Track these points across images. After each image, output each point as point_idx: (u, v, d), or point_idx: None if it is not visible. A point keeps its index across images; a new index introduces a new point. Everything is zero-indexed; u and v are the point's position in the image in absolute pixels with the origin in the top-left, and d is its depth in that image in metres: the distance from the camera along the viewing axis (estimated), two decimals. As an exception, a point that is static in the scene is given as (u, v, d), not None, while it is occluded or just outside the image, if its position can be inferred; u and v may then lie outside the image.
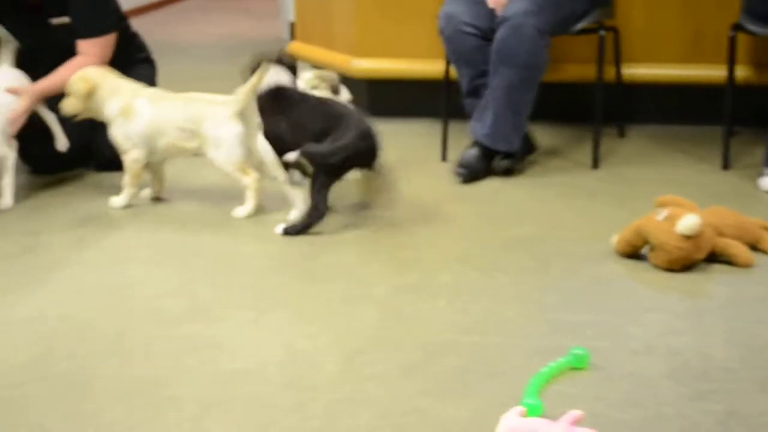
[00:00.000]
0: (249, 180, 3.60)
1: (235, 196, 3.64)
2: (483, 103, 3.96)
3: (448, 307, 2.79)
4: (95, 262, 3.23)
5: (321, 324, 2.71)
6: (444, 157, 4.22)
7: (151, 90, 3.79)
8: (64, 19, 4.09)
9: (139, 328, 2.71)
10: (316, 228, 3.40)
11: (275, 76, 3.55)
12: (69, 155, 4.06)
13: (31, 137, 4.01)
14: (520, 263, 3.10)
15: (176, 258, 3.23)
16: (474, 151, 3.98)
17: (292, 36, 6.26)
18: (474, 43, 3.95)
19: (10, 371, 2.49)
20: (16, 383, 2.43)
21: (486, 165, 3.99)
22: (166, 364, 2.50)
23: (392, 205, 3.64)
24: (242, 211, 3.61)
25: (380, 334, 2.63)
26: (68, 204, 3.78)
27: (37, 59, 4.12)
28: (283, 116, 3.49)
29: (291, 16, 6.81)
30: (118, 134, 3.70)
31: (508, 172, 4.00)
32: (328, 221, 3.47)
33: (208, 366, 2.48)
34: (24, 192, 3.97)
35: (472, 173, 3.95)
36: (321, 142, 3.37)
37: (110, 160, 4.05)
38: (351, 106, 3.59)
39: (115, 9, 4.23)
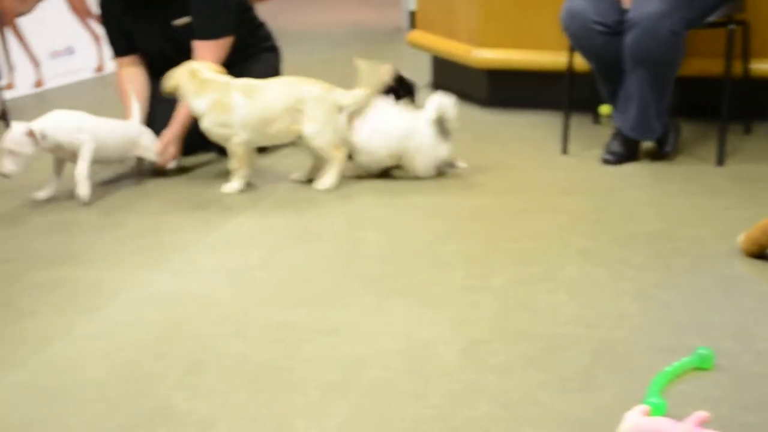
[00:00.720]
0: (338, 155, 3.79)
1: (351, 183, 3.66)
2: (623, 96, 3.93)
3: (570, 300, 2.76)
4: (218, 244, 3.27)
5: (442, 312, 2.71)
6: (565, 150, 4.17)
7: (242, 82, 3.82)
8: (186, 20, 4.19)
9: (262, 311, 2.74)
10: (437, 217, 3.41)
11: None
12: (189, 139, 4.14)
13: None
14: (642, 260, 3.05)
15: (297, 242, 3.26)
16: (620, 140, 4.02)
17: (412, 25, 6.26)
18: (602, 39, 3.90)
19: (136, 347, 2.54)
20: (141, 359, 2.48)
21: (633, 151, 4.03)
22: (288, 348, 2.52)
23: (513, 196, 3.63)
24: (326, 182, 3.79)
25: (501, 325, 2.62)
26: (190, 186, 3.84)
27: (162, 59, 4.22)
28: None
29: (411, 4, 6.83)
30: (211, 127, 3.76)
31: (663, 157, 4.05)
32: (449, 212, 3.48)
33: (328, 351, 2.49)
34: (146, 173, 4.05)
35: (619, 160, 4.01)
36: None
37: None
38: None
39: (235, 9, 4.29)
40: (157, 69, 4.23)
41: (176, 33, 4.22)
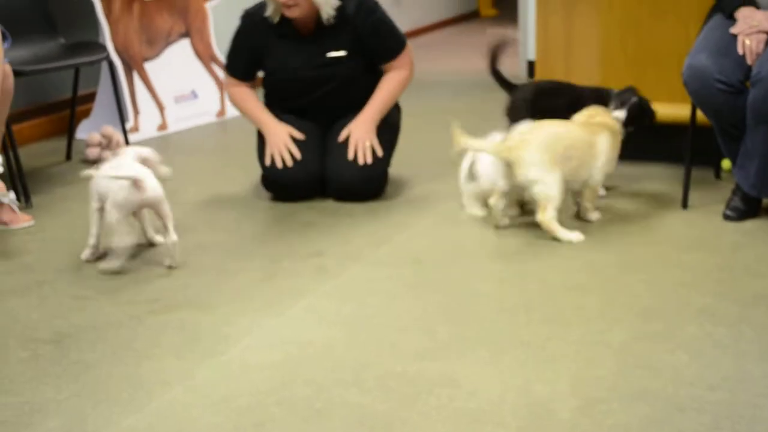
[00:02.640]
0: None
1: (465, 232, 3.64)
2: (744, 152, 3.86)
3: (690, 360, 2.71)
4: (335, 291, 3.30)
5: (558, 368, 2.68)
6: (685, 204, 4.11)
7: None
8: (341, 54, 4.33)
9: (378, 361, 2.75)
10: (554, 269, 3.39)
11: None
12: (306, 184, 4.22)
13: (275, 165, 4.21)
14: (766, 320, 2.98)
15: (415, 292, 3.27)
16: (741, 196, 3.95)
17: (531, 74, 6.25)
18: (723, 97, 3.82)
19: (255, 394, 2.57)
20: (260, 405, 2.51)
21: (755, 208, 3.95)
22: (403, 399, 2.52)
23: (632, 250, 3.59)
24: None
25: (619, 384, 2.58)
26: (307, 233, 3.88)
27: (311, 91, 4.39)
28: None
29: (531, 54, 6.82)
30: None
31: None
32: (566, 265, 3.45)
33: (444, 404, 2.49)
34: (265, 219, 4.10)
35: (741, 216, 3.93)
36: None
37: (346, 189, 4.19)
38: None
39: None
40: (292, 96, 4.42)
41: (328, 64, 4.36)
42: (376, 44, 4.39)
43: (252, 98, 4.47)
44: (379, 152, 4.29)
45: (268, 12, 4.30)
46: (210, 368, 2.74)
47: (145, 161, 3.67)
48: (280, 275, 3.45)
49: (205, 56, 6.20)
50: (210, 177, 4.85)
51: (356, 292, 3.29)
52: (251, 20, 4.40)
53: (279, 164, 4.25)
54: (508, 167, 3.74)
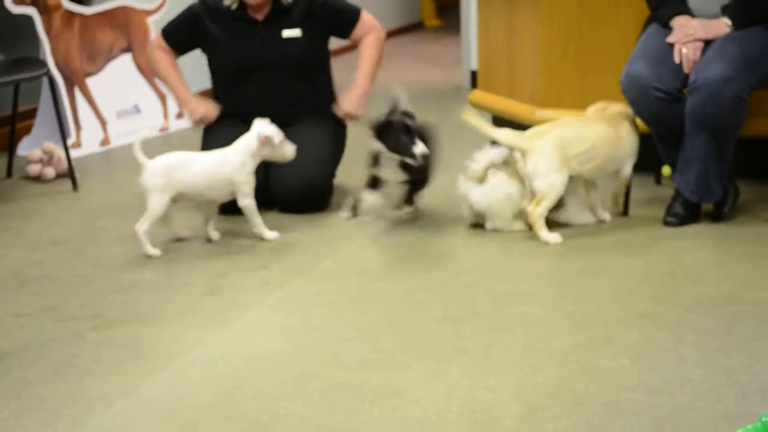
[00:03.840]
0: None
1: (409, 243, 3.66)
2: (683, 158, 3.90)
3: (632, 365, 2.74)
4: (279, 304, 3.29)
5: (502, 376, 2.70)
6: (626, 211, 4.14)
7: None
8: (295, 32, 4.41)
9: (322, 373, 2.75)
10: (497, 278, 3.42)
11: None
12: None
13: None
14: (705, 324, 3.02)
15: (359, 304, 3.27)
16: (681, 202, 3.98)
17: (473, 85, 6.29)
18: (661, 105, 3.87)
19: (199, 408, 2.56)
20: (204, 420, 2.50)
21: (694, 213, 3.99)
22: (348, 410, 2.53)
23: (573, 257, 3.62)
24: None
25: (562, 389, 2.60)
26: (252, 246, 3.87)
27: (264, 75, 4.43)
28: None
29: (473, 64, 6.87)
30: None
31: (721, 218, 4.00)
32: (510, 274, 3.48)
33: (388, 414, 2.50)
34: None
35: (681, 222, 3.97)
36: None
37: (290, 201, 4.20)
38: None
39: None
40: (240, 82, 4.45)
41: (283, 44, 4.41)
42: (333, 18, 4.46)
43: (175, 67, 4.51)
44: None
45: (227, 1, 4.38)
46: (153, 383, 2.72)
47: (267, 141, 3.83)
48: (224, 289, 3.44)
49: (147, 71, 6.16)
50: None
51: (301, 305, 3.28)
52: (206, 5, 4.45)
53: (204, 124, 4.44)
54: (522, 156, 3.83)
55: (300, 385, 2.68)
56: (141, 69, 6.15)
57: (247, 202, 3.85)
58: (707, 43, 3.88)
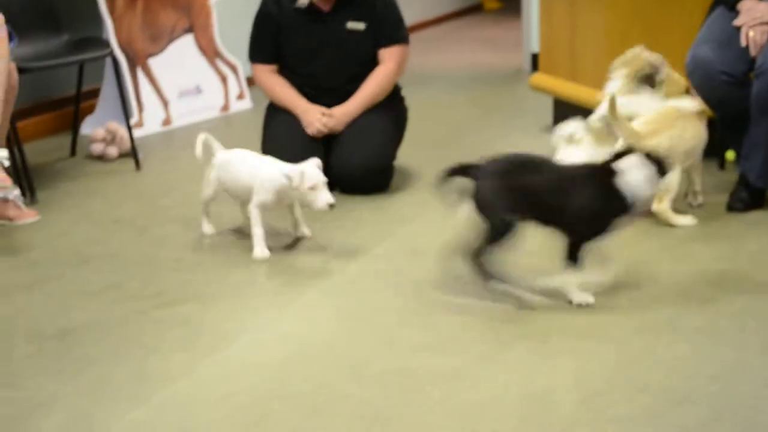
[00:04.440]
0: None
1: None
2: (748, 143, 3.85)
3: (693, 352, 2.72)
4: (337, 287, 3.30)
5: (561, 361, 2.69)
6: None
7: None
8: (359, 25, 4.41)
9: (378, 356, 2.76)
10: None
11: None
12: None
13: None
14: (769, 311, 2.99)
15: (415, 287, 3.27)
16: (746, 187, 3.94)
17: (534, 67, 6.25)
18: (726, 89, 3.82)
19: (256, 389, 2.58)
20: (261, 401, 2.51)
21: (759, 199, 3.94)
22: (403, 393, 2.53)
23: (635, 242, 3.59)
24: None
25: (621, 376, 2.59)
26: (312, 226, 3.87)
27: (324, 60, 4.44)
28: None
29: (534, 47, 6.82)
30: None
31: None
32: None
33: (447, 398, 2.50)
34: (269, 213, 4.10)
35: (746, 207, 3.92)
36: None
37: (351, 182, 4.22)
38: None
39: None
40: (314, 82, 4.45)
41: (347, 37, 4.42)
42: (382, 24, 4.44)
43: (281, 83, 4.48)
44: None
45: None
46: (212, 363, 2.75)
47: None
48: (282, 271, 3.46)
49: (208, 51, 6.20)
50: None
51: (358, 288, 3.29)
52: (270, 1, 4.46)
53: (316, 133, 4.34)
54: None
55: (355, 368, 2.69)
56: (202, 49, 6.19)
57: (254, 214, 3.59)
58: (775, 26, 3.82)
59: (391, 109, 4.48)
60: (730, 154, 4.48)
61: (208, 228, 3.82)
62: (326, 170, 4.23)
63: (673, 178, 3.69)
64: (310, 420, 2.42)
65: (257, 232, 3.58)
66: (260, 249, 3.57)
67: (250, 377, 2.66)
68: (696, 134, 3.83)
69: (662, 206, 3.74)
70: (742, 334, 2.83)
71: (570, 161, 3.74)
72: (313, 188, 3.48)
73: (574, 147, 3.91)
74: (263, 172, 3.61)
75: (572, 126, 3.93)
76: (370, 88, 4.41)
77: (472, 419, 2.38)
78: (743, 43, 3.81)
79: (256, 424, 2.41)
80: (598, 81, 4.82)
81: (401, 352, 2.77)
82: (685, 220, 3.77)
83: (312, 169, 3.52)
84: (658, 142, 3.60)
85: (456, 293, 3.20)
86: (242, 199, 3.72)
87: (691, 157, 3.84)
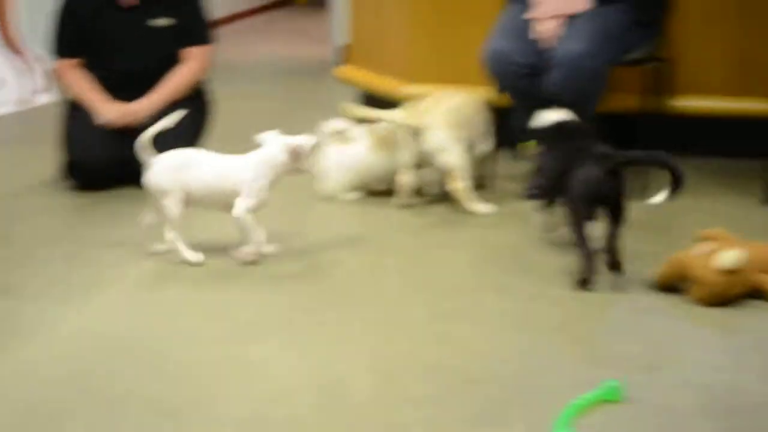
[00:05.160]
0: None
1: (269, 220, 3.65)
2: None
3: (486, 335, 2.80)
4: (139, 280, 3.27)
5: (358, 347, 2.73)
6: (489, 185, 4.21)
7: None
8: (164, 22, 4.36)
9: (178, 349, 2.74)
10: (355, 252, 3.45)
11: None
12: (109, 168, 4.24)
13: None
14: (558, 292, 3.10)
15: (218, 279, 3.27)
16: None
17: (342, 59, 6.31)
18: (522, 80, 3.94)
19: (52, 384, 2.53)
20: (57, 397, 2.47)
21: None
22: (202, 386, 2.52)
23: (430, 232, 3.67)
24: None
25: (417, 359, 2.65)
26: (112, 222, 3.83)
27: (127, 56, 4.37)
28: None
29: (342, 39, 6.88)
30: None
31: None
32: (368, 247, 3.52)
33: (243, 388, 2.50)
34: (70, 207, 4.03)
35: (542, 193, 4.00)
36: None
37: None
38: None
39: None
40: (116, 76, 4.37)
41: (151, 34, 4.37)
42: (188, 22, 4.42)
43: (82, 77, 4.40)
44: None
45: None
46: (10, 358, 2.68)
47: (296, 154, 3.33)
48: (84, 265, 3.39)
49: (10, 44, 6.03)
50: (15, 166, 4.75)
51: (159, 283, 3.26)
52: None
53: (115, 126, 4.25)
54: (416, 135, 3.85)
55: (155, 362, 2.67)
56: (5, 41, 6.02)
57: (244, 215, 3.34)
58: (568, 19, 3.95)
59: (193, 104, 4.44)
60: (526, 144, 4.61)
61: (194, 255, 3.40)
62: (125, 165, 4.20)
63: (451, 158, 3.81)
64: (104, 414, 2.38)
65: (258, 236, 3.35)
66: (267, 246, 3.39)
67: (47, 372, 2.60)
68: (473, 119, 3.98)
69: (457, 186, 3.84)
70: (533, 317, 2.93)
71: (336, 158, 3.87)
72: (310, 150, 3.37)
73: (342, 144, 3.99)
74: (243, 173, 3.34)
75: (340, 124, 3.99)
76: (171, 85, 4.37)
77: (268, 408, 2.39)
78: (534, 36, 3.94)
79: (51, 418, 2.36)
80: (404, 73, 4.92)
81: (200, 345, 2.76)
82: (485, 208, 3.88)
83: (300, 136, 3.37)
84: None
85: (252, 285, 3.21)
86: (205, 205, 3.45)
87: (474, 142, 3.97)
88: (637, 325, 2.87)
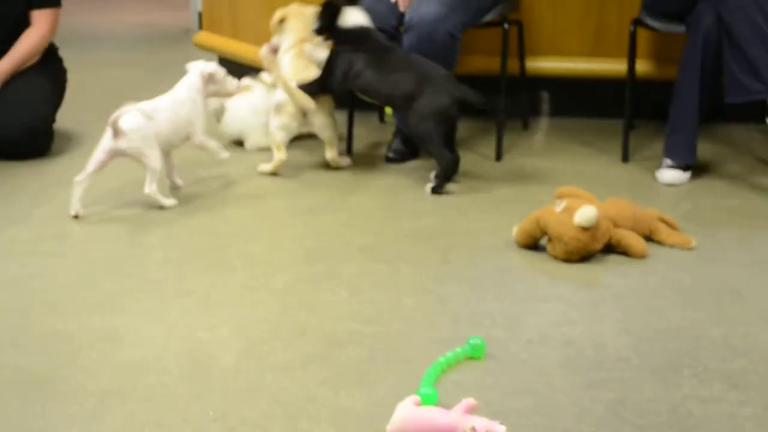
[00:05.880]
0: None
1: (131, 187, 3.60)
2: None
3: (350, 297, 2.81)
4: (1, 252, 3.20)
5: (222, 314, 2.71)
6: (349, 149, 4.22)
7: None
8: None
9: (39, 320, 2.69)
10: (219, 219, 3.43)
11: (357, 16, 3.85)
12: None
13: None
14: (422, 255, 3.13)
15: (77, 251, 3.21)
16: (402, 138, 4.12)
17: (200, 26, 6.22)
18: None
19: None
20: None
21: (415, 149, 4.13)
22: (64, 357, 2.48)
23: (296, 196, 3.67)
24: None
25: (281, 324, 2.65)
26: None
27: None
28: (365, 55, 3.80)
29: (199, 5, 6.78)
30: None
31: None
32: (233, 213, 3.50)
33: (107, 358, 2.47)
34: None
35: (403, 158, 4.11)
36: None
37: (9, 145, 4.08)
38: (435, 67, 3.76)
39: None
40: None
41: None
42: None
43: None
44: None
45: None
46: None
47: (211, 78, 3.75)
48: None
49: None
50: None
51: (17, 253, 3.19)
52: None
53: None
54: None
55: (14, 334, 2.61)
56: None
57: (203, 138, 3.74)
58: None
59: (48, 71, 4.35)
60: (389, 108, 4.64)
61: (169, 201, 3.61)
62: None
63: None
64: (-38, 391, 2.33)
65: (214, 145, 3.79)
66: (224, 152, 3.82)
67: None
68: None
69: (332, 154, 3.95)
70: (396, 277, 2.95)
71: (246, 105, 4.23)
72: (225, 75, 3.80)
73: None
74: (186, 102, 3.69)
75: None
76: (22, 50, 4.27)
77: (132, 378, 2.36)
78: (392, -1, 3.95)
79: None
80: (259, 38, 4.87)
81: (62, 316, 2.71)
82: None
83: (210, 63, 3.81)
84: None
85: (118, 254, 3.17)
86: (172, 145, 3.71)
87: None
88: (496, 282, 2.92)
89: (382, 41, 3.83)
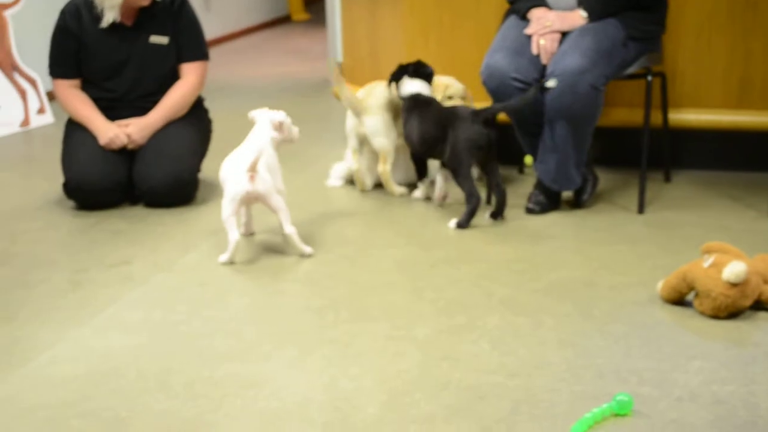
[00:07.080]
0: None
1: (273, 236, 3.64)
2: (543, 147, 3.98)
3: (492, 350, 2.79)
4: (142, 300, 3.25)
5: (364, 364, 2.71)
6: (488, 200, 4.21)
7: None
8: (162, 40, 4.39)
9: (184, 367, 2.73)
10: (360, 268, 3.44)
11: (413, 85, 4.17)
12: (109, 190, 4.23)
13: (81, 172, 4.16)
14: (564, 308, 3.09)
15: (223, 298, 3.25)
16: (542, 190, 4.09)
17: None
18: (520, 95, 3.94)
19: (52, 407, 2.52)
20: (61, 417, 2.45)
21: (555, 201, 4.11)
22: (209, 403, 2.51)
23: (436, 246, 3.66)
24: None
25: (424, 376, 2.63)
26: (114, 241, 3.82)
27: (127, 74, 4.41)
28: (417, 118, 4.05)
29: (339, 57, 6.88)
30: None
31: (580, 205, 4.13)
32: (372, 263, 3.51)
33: (250, 405, 2.49)
34: (70, 229, 4.02)
35: (543, 209, 4.07)
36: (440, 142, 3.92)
37: (155, 194, 4.16)
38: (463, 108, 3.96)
39: None
40: (115, 95, 4.42)
41: (150, 52, 4.40)
42: (184, 39, 4.44)
43: (81, 98, 4.39)
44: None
45: (106, 4, 4.28)
46: (12, 381, 2.67)
47: (279, 127, 3.77)
48: (85, 285, 3.38)
49: (5, 64, 6.02)
50: (13, 188, 4.74)
51: (163, 300, 3.25)
52: (68, 13, 4.37)
53: (115, 146, 4.28)
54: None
55: (161, 380, 2.65)
56: (2, 62, 6.01)
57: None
58: (564, 34, 3.97)
59: (195, 122, 4.46)
60: (528, 159, 4.62)
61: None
62: (129, 184, 4.23)
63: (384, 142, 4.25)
64: (112, 435, 2.37)
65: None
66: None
67: (49, 394, 2.58)
68: None
69: (384, 169, 4.24)
70: (538, 330, 2.91)
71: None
72: (290, 123, 3.82)
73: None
74: (268, 152, 3.66)
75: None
76: (171, 101, 4.38)
77: (276, 426, 2.38)
78: (534, 51, 3.94)
79: (56, 442, 2.35)
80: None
81: (207, 362, 2.75)
82: (400, 189, 4.29)
83: (274, 111, 3.83)
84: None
85: (260, 302, 3.20)
86: None
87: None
88: (643, 338, 2.86)
89: (426, 100, 4.09)
